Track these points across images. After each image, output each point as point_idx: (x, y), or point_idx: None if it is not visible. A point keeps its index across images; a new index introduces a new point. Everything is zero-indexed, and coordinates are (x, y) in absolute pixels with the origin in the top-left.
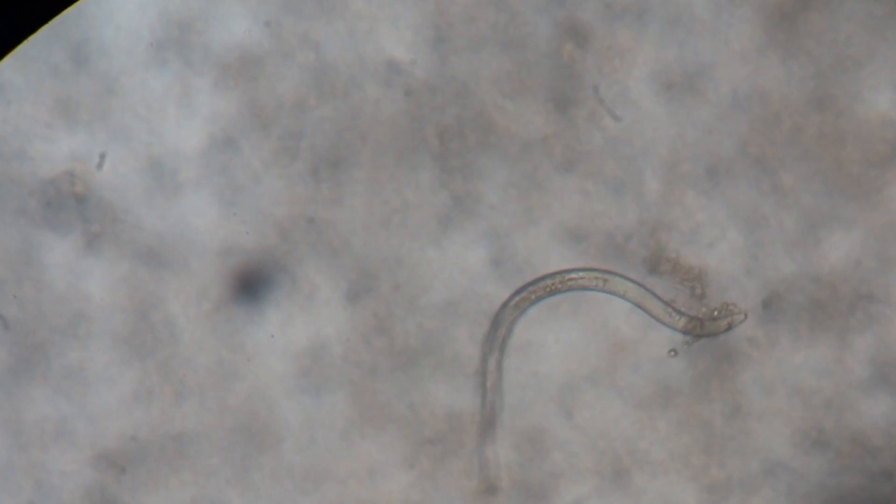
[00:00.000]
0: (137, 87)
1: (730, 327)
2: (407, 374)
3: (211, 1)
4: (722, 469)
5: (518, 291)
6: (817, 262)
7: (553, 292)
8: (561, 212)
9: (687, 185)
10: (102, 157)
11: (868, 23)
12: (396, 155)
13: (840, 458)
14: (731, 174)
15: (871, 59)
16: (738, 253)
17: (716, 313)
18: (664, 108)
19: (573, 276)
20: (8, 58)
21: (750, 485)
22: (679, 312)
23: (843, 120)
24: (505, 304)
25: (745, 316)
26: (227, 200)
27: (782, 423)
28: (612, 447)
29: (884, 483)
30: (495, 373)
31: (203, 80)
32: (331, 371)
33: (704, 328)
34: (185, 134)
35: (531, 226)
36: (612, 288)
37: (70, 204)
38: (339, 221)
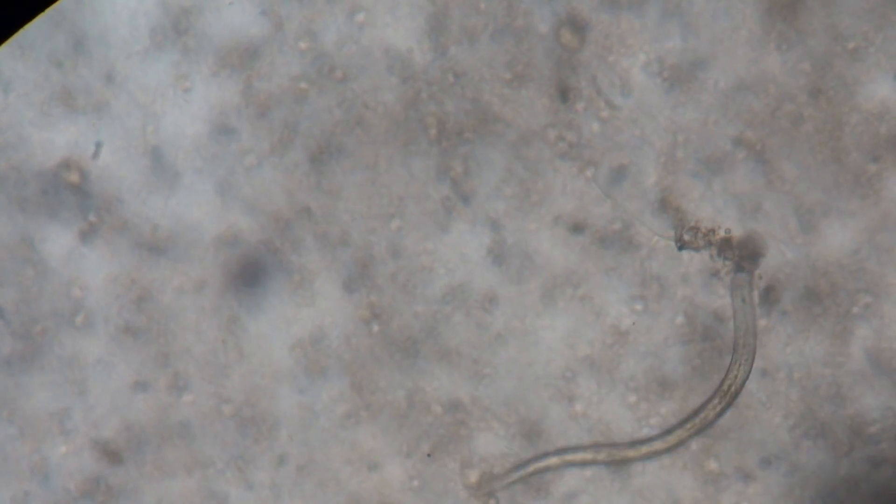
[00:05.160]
0: (135, 75)
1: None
2: (405, 364)
3: None
4: (719, 458)
5: None
6: (815, 251)
7: None
8: (560, 200)
9: (685, 173)
10: (98, 146)
11: (867, 11)
12: (394, 144)
13: (837, 447)
14: (730, 163)
15: (870, 47)
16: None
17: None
18: (663, 96)
19: None
20: (5, 45)
21: (747, 474)
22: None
23: (842, 109)
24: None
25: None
26: (225, 189)
27: (779, 412)
28: (609, 437)
29: (881, 471)
30: None
31: (201, 68)
32: (328, 360)
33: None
34: (183, 122)
35: (530, 214)
36: None
37: (67, 193)
38: (337, 210)
